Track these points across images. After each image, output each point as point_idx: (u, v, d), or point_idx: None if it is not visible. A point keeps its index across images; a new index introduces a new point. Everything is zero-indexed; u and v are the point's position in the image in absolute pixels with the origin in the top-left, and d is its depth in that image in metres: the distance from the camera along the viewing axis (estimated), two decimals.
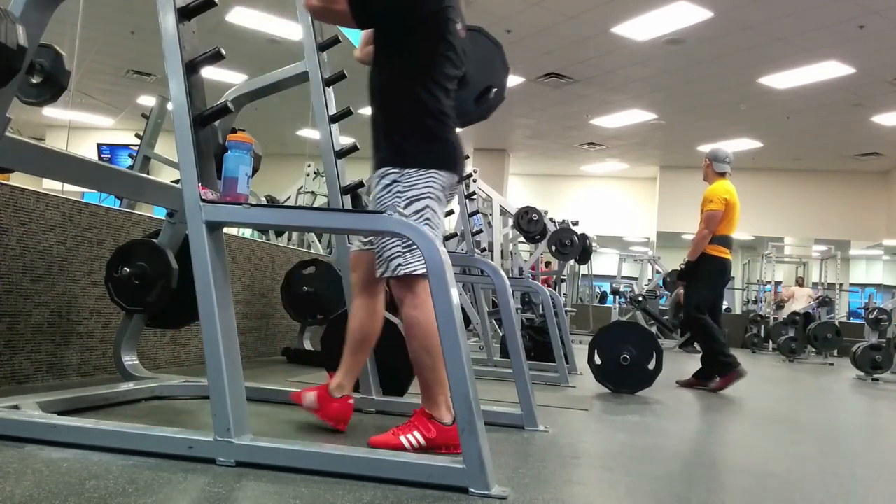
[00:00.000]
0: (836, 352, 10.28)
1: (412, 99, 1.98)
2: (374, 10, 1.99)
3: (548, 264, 10.35)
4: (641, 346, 3.97)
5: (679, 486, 1.95)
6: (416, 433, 1.92)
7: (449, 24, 2.02)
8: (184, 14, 1.84)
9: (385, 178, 1.98)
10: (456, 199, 4.75)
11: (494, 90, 2.54)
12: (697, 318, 4.55)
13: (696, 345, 12.63)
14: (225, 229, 1.87)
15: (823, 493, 1.95)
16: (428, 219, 1.96)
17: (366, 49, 2.28)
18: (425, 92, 1.99)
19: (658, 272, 11.50)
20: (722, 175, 4.75)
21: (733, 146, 12.47)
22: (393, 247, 1.95)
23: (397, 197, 1.95)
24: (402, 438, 1.92)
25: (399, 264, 1.93)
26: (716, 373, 4.59)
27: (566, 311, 6.84)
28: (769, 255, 13.09)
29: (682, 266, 4.72)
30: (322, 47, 2.68)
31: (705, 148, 12.63)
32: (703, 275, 4.60)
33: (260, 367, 3.97)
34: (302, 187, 6.57)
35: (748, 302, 14.65)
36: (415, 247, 1.88)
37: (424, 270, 1.83)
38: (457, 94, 2.14)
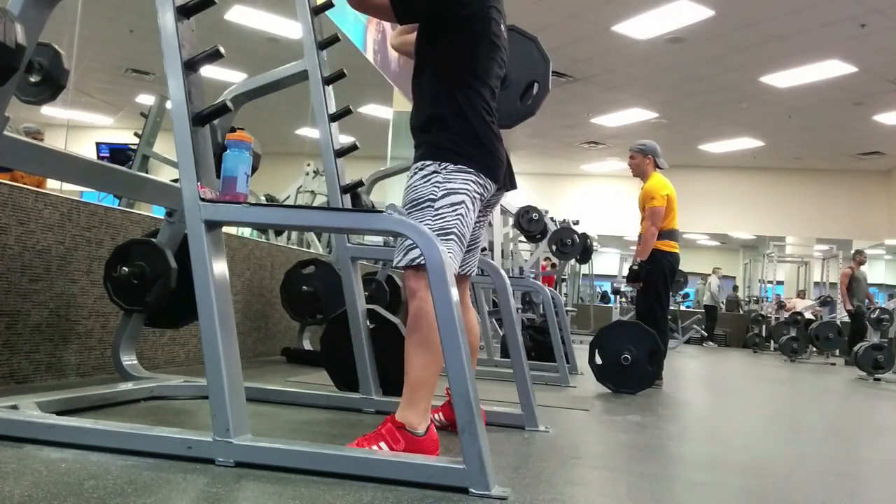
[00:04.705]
0: (837, 352, 10.27)
1: (456, 98, 1.93)
2: (415, 7, 1.95)
3: (553, 266, 10.34)
4: (642, 346, 3.96)
5: (680, 486, 1.94)
6: (381, 444, 1.77)
7: (492, 24, 1.97)
8: (182, 12, 1.83)
9: (424, 168, 1.92)
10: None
11: (537, 84, 2.50)
12: (663, 323, 4.49)
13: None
14: (224, 228, 1.86)
15: (825, 494, 1.94)
16: (461, 215, 1.89)
17: (401, 38, 2.23)
18: (472, 91, 1.94)
19: None
20: (659, 169, 4.65)
21: (734, 145, 12.49)
22: None
23: (435, 186, 1.88)
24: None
25: (416, 254, 1.82)
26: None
27: (567, 311, 6.84)
28: (771, 255, 13.09)
29: (635, 266, 4.51)
30: (322, 46, 2.67)
31: (706, 147, 12.69)
32: (662, 272, 4.49)
33: (259, 367, 3.97)
34: (301, 186, 6.57)
35: (749, 301, 14.66)
36: (441, 238, 1.80)
37: None
38: (500, 94, 2.09)
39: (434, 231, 1.78)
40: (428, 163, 1.92)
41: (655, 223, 4.45)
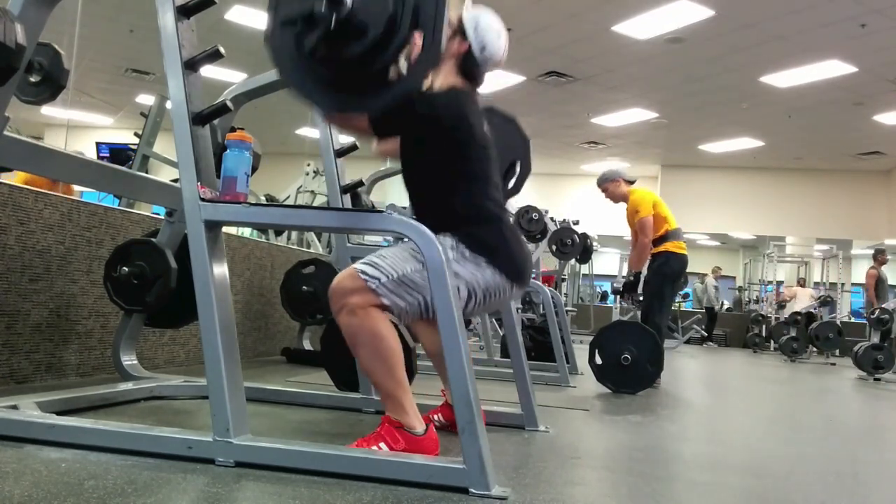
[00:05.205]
0: (837, 351, 10.27)
1: (466, 201, 1.93)
2: (397, 128, 1.97)
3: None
4: (642, 346, 3.96)
5: (680, 486, 1.94)
6: (381, 445, 1.77)
7: (475, 128, 1.97)
8: (182, 12, 1.83)
9: (442, 237, 1.80)
10: None
11: (519, 164, 2.52)
12: (661, 322, 4.48)
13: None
14: (224, 228, 1.86)
15: (825, 494, 1.94)
16: None
17: (384, 147, 2.21)
18: (477, 191, 1.95)
19: None
20: (631, 183, 4.73)
21: (734, 145, 12.49)
22: (394, 264, 1.80)
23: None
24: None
25: (377, 277, 1.77)
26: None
27: (567, 311, 6.84)
28: (771, 255, 13.09)
29: (630, 278, 4.54)
30: None
31: (706, 147, 12.67)
32: (669, 273, 4.50)
33: (259, 367, 3.97)
34: (301, 186, 6.58)
35: (749, 301, 14.65)
36: (406, 289, 1.78)
37: (388, 304, 1.77)
38: None
39: (406, 279, 1.78)
40: (448, 237, 1.87)
41: (647, 234, 4.50)
